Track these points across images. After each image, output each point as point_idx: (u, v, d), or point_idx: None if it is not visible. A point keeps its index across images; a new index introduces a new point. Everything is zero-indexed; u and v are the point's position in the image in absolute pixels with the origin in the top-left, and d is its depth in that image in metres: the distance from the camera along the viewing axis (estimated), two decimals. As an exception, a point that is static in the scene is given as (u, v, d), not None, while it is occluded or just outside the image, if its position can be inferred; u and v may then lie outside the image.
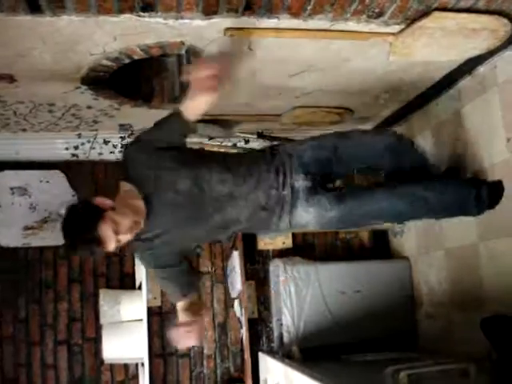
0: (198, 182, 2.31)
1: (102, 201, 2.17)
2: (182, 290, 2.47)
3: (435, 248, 3.35)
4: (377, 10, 2.19)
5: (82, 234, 2.12)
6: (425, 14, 2.24)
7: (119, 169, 2.50)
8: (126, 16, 2.07)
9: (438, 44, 2.46)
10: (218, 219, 2.38)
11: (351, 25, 2.29)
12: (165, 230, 2.35)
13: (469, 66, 2.86)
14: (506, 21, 2.32)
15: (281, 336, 3.49)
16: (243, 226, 2.49)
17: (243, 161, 2.48)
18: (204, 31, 2.26)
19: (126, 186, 2.30)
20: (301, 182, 2.45)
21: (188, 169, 2.31)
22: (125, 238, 2.19)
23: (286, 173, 2.44)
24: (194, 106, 2.28)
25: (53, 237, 3.57)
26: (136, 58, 2.50)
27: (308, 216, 2.46)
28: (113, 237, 2.12)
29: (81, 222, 2.14)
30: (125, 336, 3.36)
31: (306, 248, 3.88)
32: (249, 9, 2.10)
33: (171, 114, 2.33)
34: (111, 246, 2.14)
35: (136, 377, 3.56)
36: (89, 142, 3.62)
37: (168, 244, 2.40)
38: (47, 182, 3.63)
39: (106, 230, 2.10)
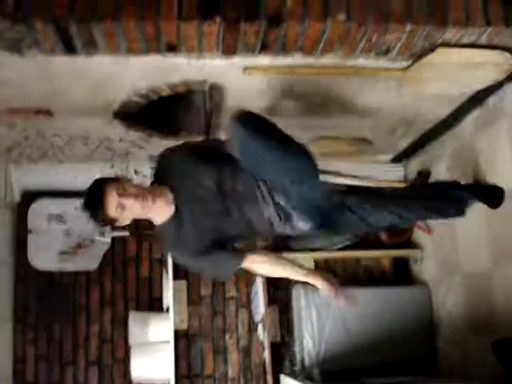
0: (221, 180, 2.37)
1: None
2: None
3: (452, 273, 3.43)
4: (384, 48, 2.35)
5: (90, 192, 2.26)
6: (430, 50, 2.39)
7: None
8: (153, 56, 2.27)
9: (445, 78, 2.61)
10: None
11: (361, 61, 2.46)
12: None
13: (477, 99, 2.98)
14: (508, 55, 2.46)
15: (302, 359, 3.56)
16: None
17: None
18: (224, 70, 2.45)
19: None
20: None
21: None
22: (129, 205, 2.21)
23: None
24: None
25: (86, 262, 3.79)
26: (163, 94, 2.70)
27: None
28: (115, 196, 2.19)
29: (94, 184, 2.28)
30: (152, 357, 3.48)
31: (328, 274, 3.96)
32: (264, 48, 2.28)
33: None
34: (112, 208, 2.19)
35: (163, 397, 3.68)
36: (121, 171, 3.81)
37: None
38: (82, 209, 3.81)
39: (109, 187, 2.20)
